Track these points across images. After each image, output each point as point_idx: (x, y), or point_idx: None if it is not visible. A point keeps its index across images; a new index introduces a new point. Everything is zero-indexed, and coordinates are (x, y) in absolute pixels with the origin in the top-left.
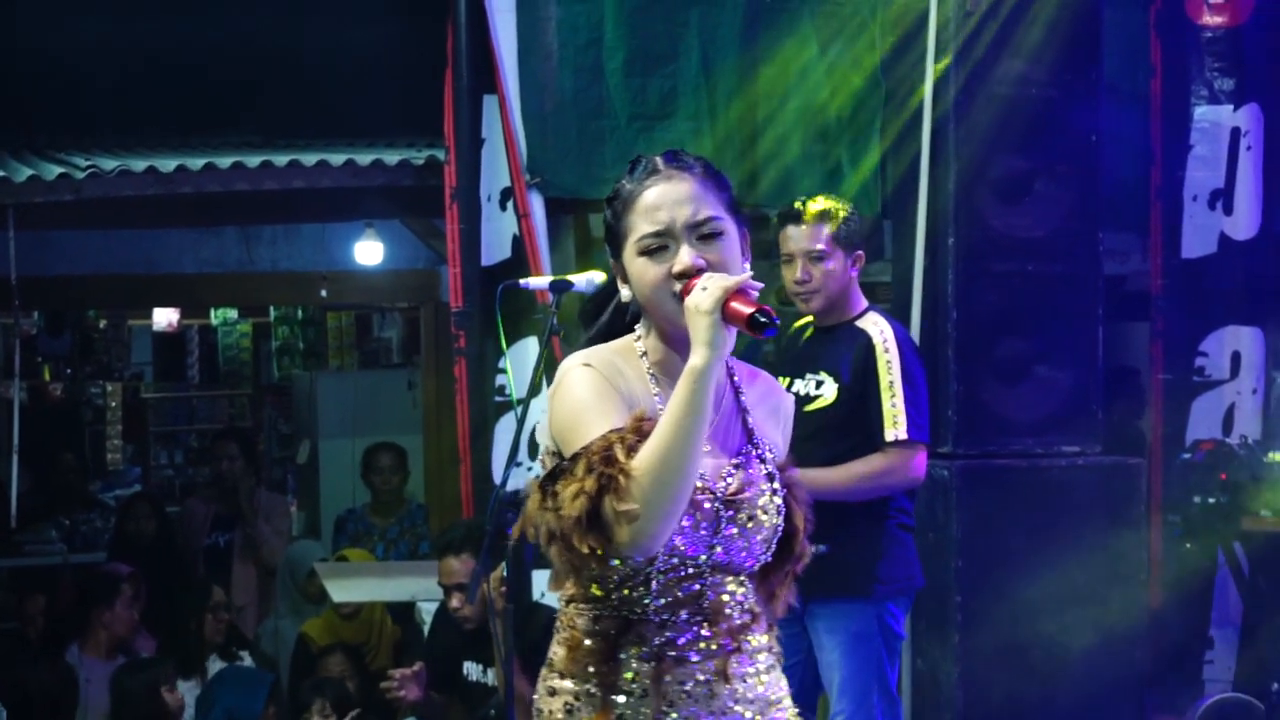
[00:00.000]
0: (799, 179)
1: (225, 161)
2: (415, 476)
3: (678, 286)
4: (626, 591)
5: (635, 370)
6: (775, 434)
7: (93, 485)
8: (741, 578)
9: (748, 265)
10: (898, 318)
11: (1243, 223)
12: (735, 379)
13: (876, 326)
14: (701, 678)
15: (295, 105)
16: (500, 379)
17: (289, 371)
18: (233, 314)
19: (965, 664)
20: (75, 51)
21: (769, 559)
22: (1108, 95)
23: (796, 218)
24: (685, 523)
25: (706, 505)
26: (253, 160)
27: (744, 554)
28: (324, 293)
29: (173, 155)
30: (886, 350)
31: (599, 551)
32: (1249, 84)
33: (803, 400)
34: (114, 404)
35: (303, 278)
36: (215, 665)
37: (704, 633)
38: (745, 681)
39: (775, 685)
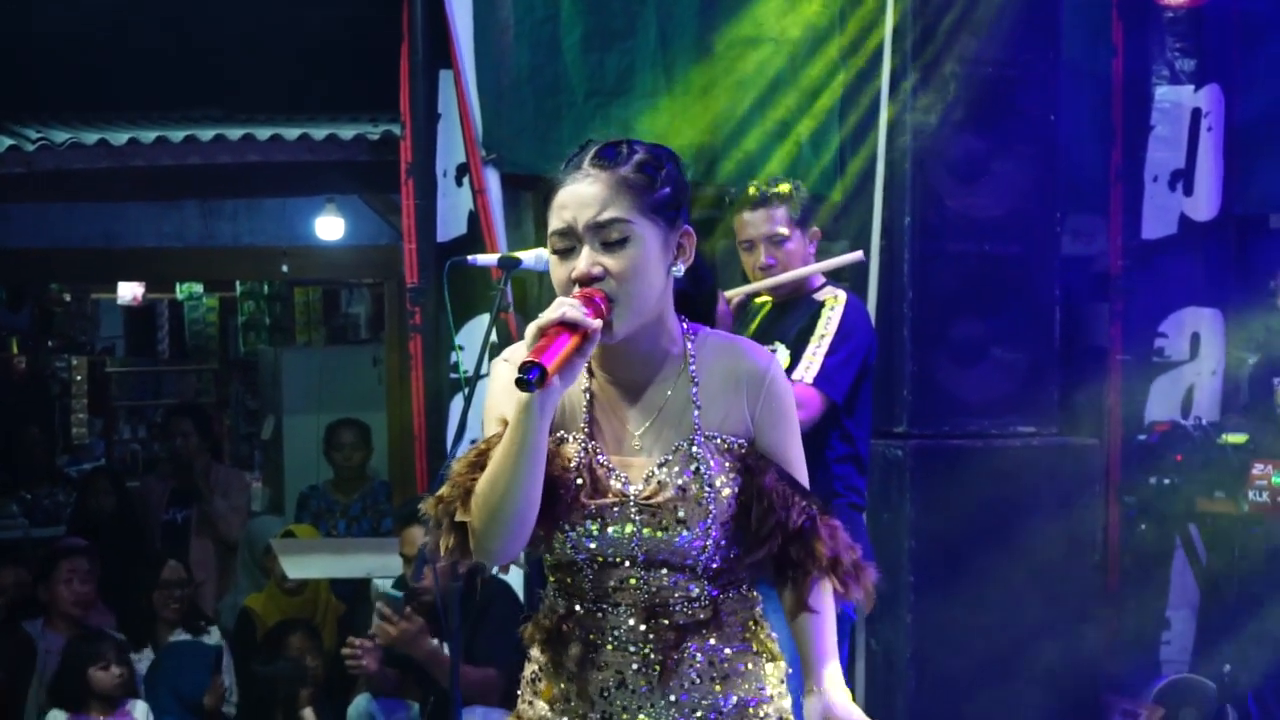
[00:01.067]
0: (759, 160)
1: (178, 135)
2: (379, 453)
3: (575, 290)
4: (569, 579)
5: None
6: (734, 406)
7: (60, 459)
8: (698, 574)
9: (683, 267)
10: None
11: (1203, 204)
12: (692, 367)
13: (833, 295)
14: (635, 667)
15: (255, 80)
16: (455, 356)
17: (255, 347)
18: (198, 289)
19: (917, 644)
20: (33, 25)
21: (732, 551)
22: (1068, 74)
23: (753, 203)
24: (594, 528)
25: (617, 510)
26: (206, 134)
27: (676, 553)
28: (285, 268)
29: (131, 129)
30: (831, 310)
31: (459, 550)
32: (1210, 65)
33: None
34: (79, 378)
35: (264, 252)
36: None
37: (641, 627)
38: (691, 684)
39: (731, 698)
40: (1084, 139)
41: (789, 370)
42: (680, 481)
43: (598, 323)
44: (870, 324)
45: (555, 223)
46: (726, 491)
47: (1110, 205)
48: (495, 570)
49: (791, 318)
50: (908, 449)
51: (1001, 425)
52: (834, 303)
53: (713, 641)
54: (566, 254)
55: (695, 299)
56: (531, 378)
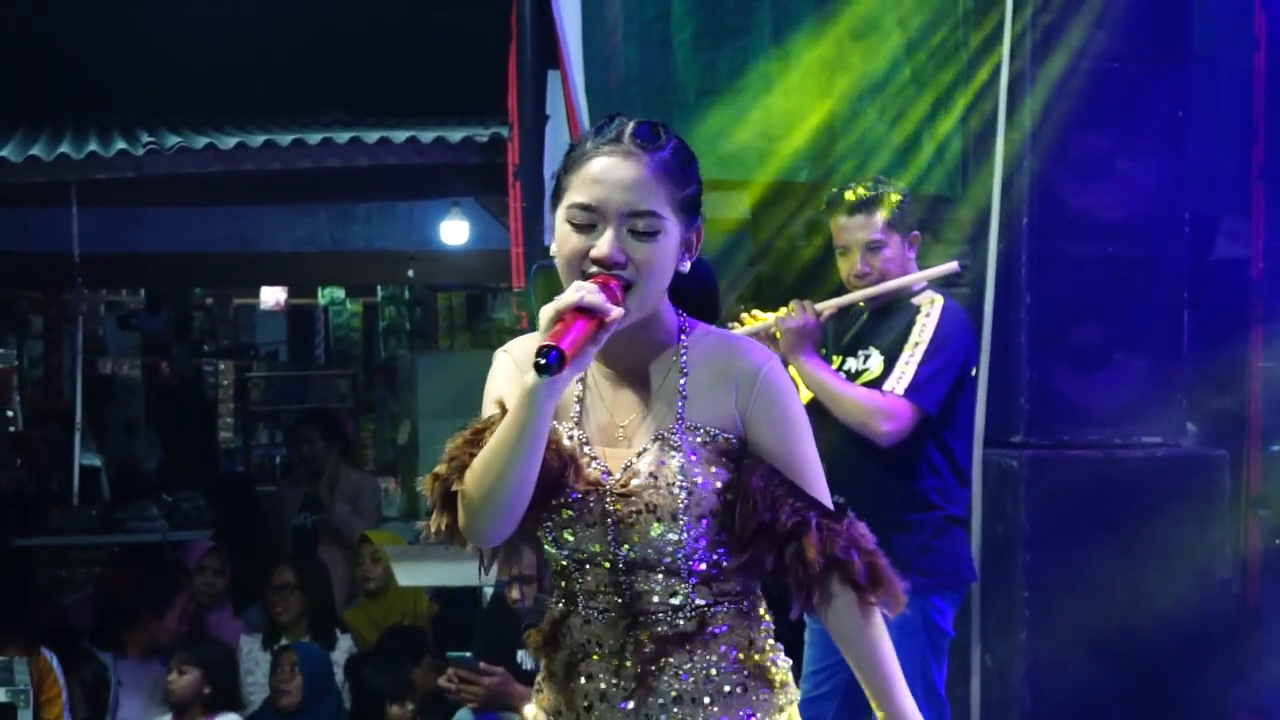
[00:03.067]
0: (878, 159)
1: (285, 139)
2: None
3: (591, 269)
4: (562, 582)
5: None
6: (722, 402)
7: (213, 464)
8: (681, 576)
9: (688, 263)
10: (970, 302)
11: None
12: (683, 359)
13: (929, 300)
14: (617, 682)
15: (372, 85)
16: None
17: (395, 352)
18: (340, 293)
19: (1033, 662)
20: (148, 28)
21: (718, 554)
22: (1205, 69)
23: (848, 208)
24: (570, 513)
25: (593, 499)
26: (314, 137)
27: (651, 546)
28: (411, 272)
29: (240, 134)
30: (927, 316)
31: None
32: None
33: (851, 376)
34: (226, 383)
35: (393, 257)
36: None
37: (622, 637)
38: (672, 703)
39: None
40: (1223, 137)
41: (882, 379)
42: (653, 469)
43: (619, 310)
44: (969, 329)
45: (582, 195)
46: (701, 481)
47: (1252, 206)
48: None
49: (888, 324)
50: (1023, 459)
51: (1124, 435)
52: (929, 308)
53: (698, 658)
54: (586, 229)
55: (698, 298)
56: (551, 361)
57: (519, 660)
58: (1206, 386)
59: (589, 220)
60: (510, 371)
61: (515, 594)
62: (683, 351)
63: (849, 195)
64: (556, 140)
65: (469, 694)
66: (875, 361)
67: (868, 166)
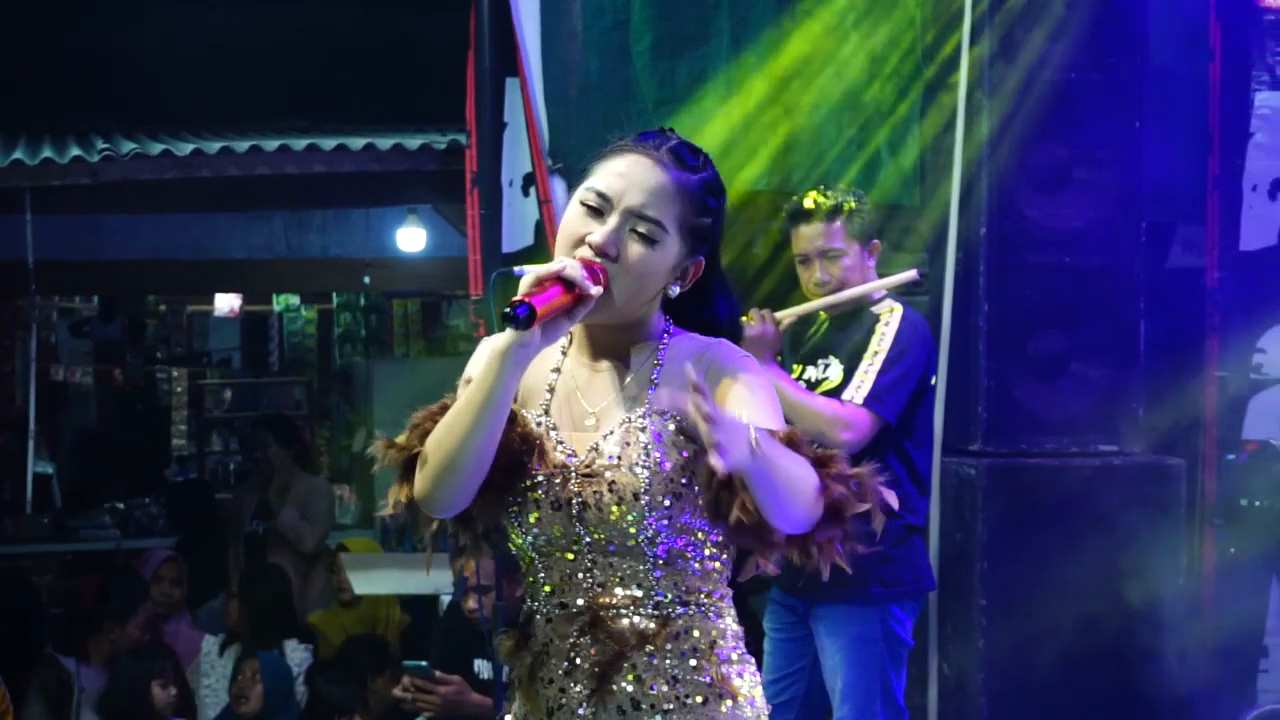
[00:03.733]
0: (837, 168)
1: (242, 146)
2: None
3: (578, 252)
4: (530, 579)
5: (550, 350)
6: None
7: (168, 470)
8: (643, 561)
9: (676, 290)
10: (930, 310)
11: None
12: (660, 353)
13: (889, 309)
14: (577, 689)
15: (321, 90)
16: None
17: (350, 359)
18: (295, 300)
19: (990, 670)
20: (108, 39)
21: (679, 541)
22: (1161, 80)
23: (807, 216)
24: (536, 495)
25: (557, 484)
26: (271, 144)
27: (614, 530)
28: (367, 279)
29: (197, 140)
30: (886, 325)
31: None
32: None
33: (811, 385)
34: (180, 389)
35: (349, 264)
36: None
37: (584, 637)
38: (631, 709)
39: None
40: (1179, 147)
41: (841, 387)
42: (617, 452)
43: (598, 289)
44: (928, 338)
45: (600, 181)
46: (663, 462)
47: (1207, 215)
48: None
49: (847, 333)
50: (981, 467)
51: (1081, 443)
52: (889, 317)
53: (658, 661)
54: (593, 213)
55: (730, 325)
56: (520, 314)
57: (476, 670)
58: (1163, 396)
59: (599, 206)
60: (486, 356)
61: (472, 603)
62: (661, 348)
63: (809, 204)
64: (514, 148)
65: (425, 703)
66: (835, 370)
67: (826, 176)
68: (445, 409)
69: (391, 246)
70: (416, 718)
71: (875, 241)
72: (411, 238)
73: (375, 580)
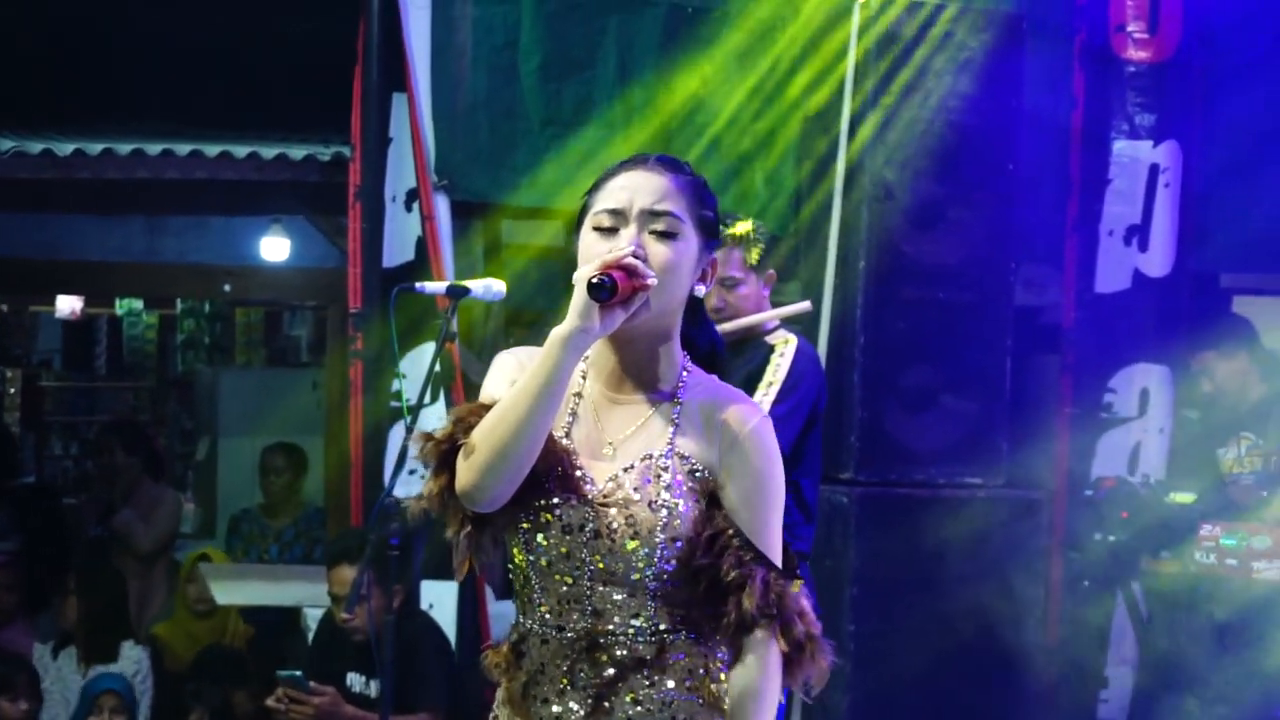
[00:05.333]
0: (715, 197)
1: (125, 148)
2: (315, 479)
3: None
4: (526, 596)
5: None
6: (707, 444)
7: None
8: (645, 596)
9: (702, 289)
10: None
11: (1157, 260)
12: (681, 392)
13: (784, 339)
14: (574, 707)
15: (206, 96)
16: (397, 384)
17: (193, 366)
18: (138, 305)
19: (855, 694)
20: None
21: (675, 583)
22: (1028, 124)
23: None
24: (548, 517)
25: (574, 503)
26: (154, 148)
27: (623, 561)
28: (227, 287)
29: (78, 140)
30: (781, 356)
31: (445, 495)
32: (1169, 121)
33: None
34: (13, 390)
35: (207, 271)
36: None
37: (581, 659)
38: None
39: None
40: (1041, 189)
41: None
42: (637, 485)
43: (653, 279)
44: (820, 369)
45: (608, 201)
46: (683, 506)
47: (1065, 257)
48: (426, 606)
49: (741, 360)
50: (853, 496)
51: (949, 475)
52: (784, 347)
53: (654, 684)
54: (610, 233)
55: (704, 353)
56: (606, 283)
57: (348, 683)
58: (1025, 430)
59: (613, 224)
60: (514, 367)
61: (344, 614)
62: (680, 388)
63: None
64: (399, 162)
65: (298, 714)
66: None
67: None
68: (486, 407)
69: (253, 255)
70: None
71: (771, 272)
72: (275, 247)
73: (235, 591)
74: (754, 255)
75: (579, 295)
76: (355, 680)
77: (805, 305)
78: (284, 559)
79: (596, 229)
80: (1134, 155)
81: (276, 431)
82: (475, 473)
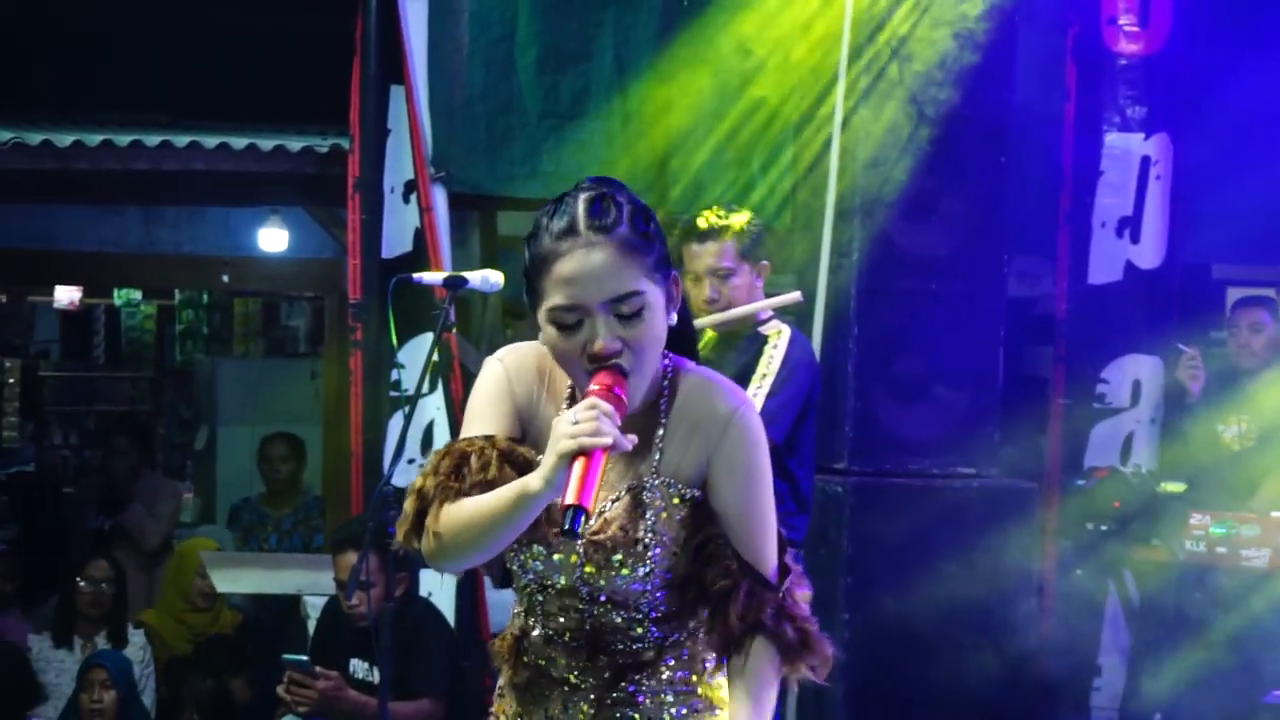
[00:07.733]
0: (711, 186)
1: (124, 139)
2: (314, 468)
3: (589, 366)
4: (526, 598)
5: (560, 377)
6: (693, 449)
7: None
8: (642, 616)
9: (674, 315)
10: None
11: (1149, 251)
12: (663, 406)
13: (777, 330)
14: (576, 702)
15: (204, 88)
16: (396, 374)
17: (191, 356)
18: (137, 295)
19: (850, 683)
20: None
21: (670, 604)
22: (1020, 117)
23: (701, 235)
24: (540, 551)
25: (562, 541)
26: (152, 139)
27: (618, 592)
28: (225, 278)
29: (76, 131)
30: (775, 348)
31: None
32: (1160, 113)
33: None
34: (11, 380)
35: (205, 261)
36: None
37: (583, 661)
38: None
39: None
40: (1034, 182)
41: None
42: (624, 522)
43: (632, 440)
44: (814, 360)
45: (561, 298)
46: (667, 537)
47: (1058, 249)
48: (425, 594)
49: (735, 352)
50: (847, 485)
51: (942, 465)
52: (777, 339)
53: (654, 683)
54: (574, 327)
55: (678, 334)
56: (576, 526)
57: (351, 670)
58: (1017, 420)
59: (574, 319)
60: (501, 383)
61: (353, 601)
62: (664, 398)
63: (703, 223)
64: (397, 154)
65: (301, 698)
66: None
67: (700, 198)
68: (464, 459)
69: (251, 246)
70: (285, 716)
71: (764, 263)
72: (272, 238)
73: (235, 579)
74: (746, 247)
75: (551, 463)
76: (358, 666)
77: (796, 295)
78: (283, 547)
79: (558, 325)
80: (1125, 147)
81: (275, 421)
82: (439, 556)
